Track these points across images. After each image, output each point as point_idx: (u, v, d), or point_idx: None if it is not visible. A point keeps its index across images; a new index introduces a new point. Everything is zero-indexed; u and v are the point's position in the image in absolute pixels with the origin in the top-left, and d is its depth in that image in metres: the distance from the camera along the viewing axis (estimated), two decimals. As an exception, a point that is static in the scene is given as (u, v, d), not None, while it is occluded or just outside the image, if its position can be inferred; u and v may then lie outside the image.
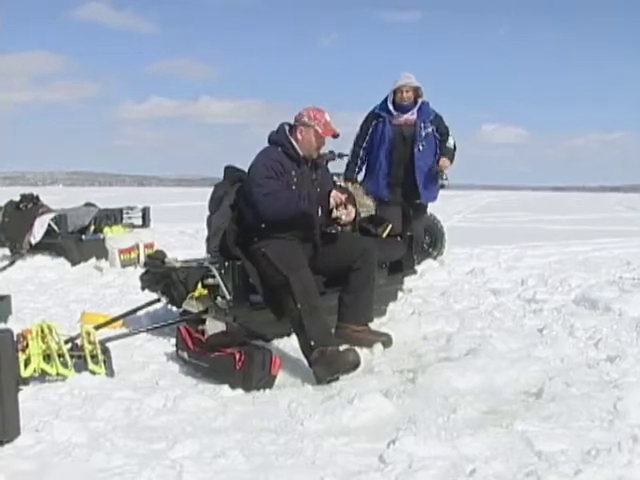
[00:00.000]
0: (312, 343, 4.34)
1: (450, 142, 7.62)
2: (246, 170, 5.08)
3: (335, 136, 5.05)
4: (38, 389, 3.90)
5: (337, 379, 4.25)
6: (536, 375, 4.18)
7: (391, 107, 7.52)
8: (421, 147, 7.40)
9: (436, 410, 3.58)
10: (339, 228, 5.02)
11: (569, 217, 24.60)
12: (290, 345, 4.79)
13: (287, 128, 5.02)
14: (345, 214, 4.91)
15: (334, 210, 4.85)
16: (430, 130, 7.48)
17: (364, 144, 7.67)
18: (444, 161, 7.53)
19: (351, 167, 7.73)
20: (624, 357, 4.41)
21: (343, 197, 4.88)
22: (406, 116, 7.50)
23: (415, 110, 7.49)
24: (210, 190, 5.40)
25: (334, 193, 4.83)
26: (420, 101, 7.51)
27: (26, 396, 3.73)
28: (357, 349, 4.46)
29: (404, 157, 7.46)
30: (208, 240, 5.25)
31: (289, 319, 4.53)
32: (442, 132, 7.62)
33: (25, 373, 3.97)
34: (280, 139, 4.99)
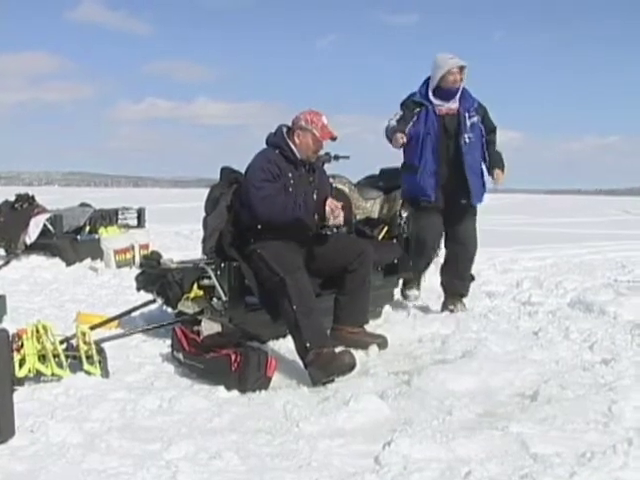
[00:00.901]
0: (308, 345, 4.34)
1: (497, 144, 6.41)
2: (243, 171, 5.08)
3: (333, 139, 5.05)
4: (33, 389, 3.89)
5: (333, 381, 4.24)
6: (531, 377, 4.19)
7: (432, 96, 6.21)
8: (467, 139, 6.14)
9: (431, 412, 3.58)
10: (330, 232, 5.02)
11: (564, 220, 24.64)
12: (286, 346, 4.79)
13: (285, 130, 5.02)
14: (339, 222, 4.92)
15: (330, 217, 4.85)
16: (475, 120, 6.22)
17: (409, 120, 6.19)
18: (498, 174, 6.28)
19: (400, 123, 6.16)
20: (619, 360, 4.42)
21: (339, 204, 4.87)
22: (448, 104, 6.21)
23: (457, 97, 6.21)
24: (206, 191, 5.40)
25: (329, 201, 4.82)
26: (462, 86, 6.24)
27: (21, 396, 3.72)
28: (353, 351, 4.46)
29: (450, 152, 6.16)
30: (204, 241, 5.25)
31: (285, 320, 4.52)
32: (489, 127, 6.35)
33: (20, 373, 3.96)
34: (278, 141, 4.99)
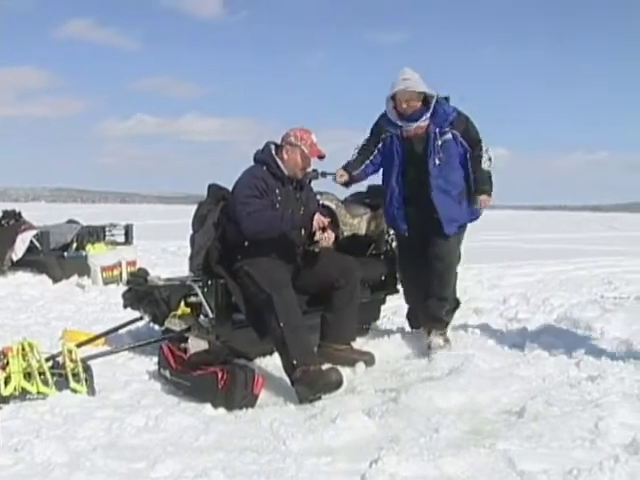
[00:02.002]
0: (294, 362, 4.34)
1: (485, 161, 5.47)
2: (230, 188, 5.09)
3: (321, 157, 5.07)
4: (18, 407, 3.86)
5: (319, 398, 4.24)
6: (518, 394, 4.20)
7: (394, 118, 5.54)
8: (437, 161, 5.37)
9: (418, 430, 3.58)
10: (318, 249, 5.02)
11: (550, 236, 24.75)
12: (273, 364, 4.78)
13: (273, 147, 5.04)
14: (324, 238, 4.91)
15: (316, 233, 4.86)
16: (449, 137, 5.42)
17: (368, 158, 5.66)
18: (484, 199, 5.47)
19: (356, 159, 5.69)
20: (605, 376, 4.43)
21: (326, 221, 4.88)
22: (417, 124, 5.47)
23: (428, 115, 5.45)
24: (193, 208, 5.39)
25: (317, 217, 4.83)
26: (433, 102, 5.45)
27: (5, 415, 3.72)
28: (339, 368, 4.46)
29: (419, 177, 5.44)
30: (191, 258, 5.24)
31: (272, 338, 4.52)
32: (471, 140, 5.48)
33: (5, 391, 3.94)
34: (265, 158, 5.01)
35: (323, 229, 4.87)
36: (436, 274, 5.51)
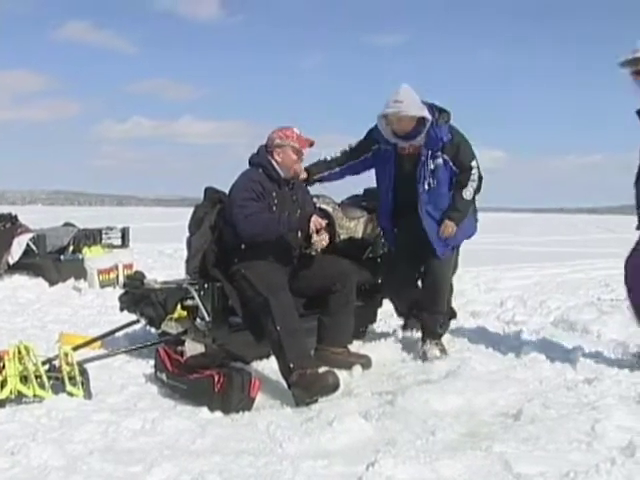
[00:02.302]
0: (291, 365, 4.33)
1: (467, 189, 5.32)
2: (226, 191, 5.10)
3: (312, 145, 5.14)
4: (14, 411, 3.85)
5: (316, 401, 4.23)
6: (515, 397, 4.20)
7: (388, 135, 5.37)
8: (427, 186, 5.24)
9: (415, 432, 3.58)
10: (315, 252, 5.02)
11: (547, 239, 24.79)
12: (269, 367, 4.78)
13: (265, 149, 5.07)
14: (324, 240, 4.92)
15: (313, 235, 4.86)
16: (440, 161, 5.26)
17: (353, 160, 5.61)
18: (446, 226, 5.28)
19: (330, 160, 5.66)
20: (602, 379, 4.44)
21: (323, 223, 4.89)
22: (410, 143, 5.33)
23: (422, 135, 5.27)
24: (190, 210, 5.40)
25: (314, 218, 4.83)
26: (428, 124, 5.24)
27: (2, 418, 3.71)
28: (336, 371, 4.45)
29: (410, 198, 5.30)
30: (187, 261, 5.25)
31: (268, 341, 4.52)
32: (461, 165, 5.32)
33: (1, 395, 3.93)
34: (261, 160, 5.03)
35: (317, 231, 4.87)
36: (429, 288, 5.44)
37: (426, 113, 5.23)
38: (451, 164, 5.30)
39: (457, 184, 5.32)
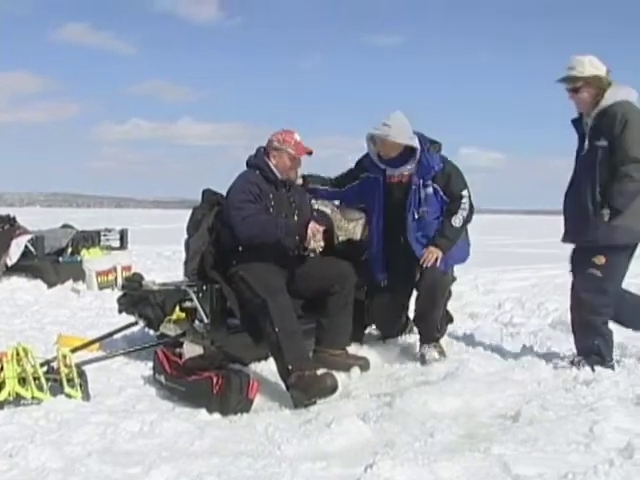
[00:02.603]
0: (290, 367, 4.33)
1: (458, 217, 5.22)
2: (224, 193, 5.09)
3: (309, 153, 5.11)
4: (13, 413, 3.85)
5: (314, 403, 4.24)
6: (513, 399, 4.20)
7: (376, 159, 5.31)
8: (416, 215, 5.17)
9: (413, 434, 3.58)
10: (313, 254, 5.02)
11: (545, 240, 24.75)
12: (268, 369, 4.78)
13: (263, 151, 5.06)
14: (321, 246, 4.91)
15: (311, 241, 4.84)
16: (430, 190, 5.18)
17: (339, 188, 5.60)
18: (430, 252, 5.15)
19: (317, 176, 5.67)
20: (600, 380, 4.44)
21: (321, 229, 4.88)
22: (400, 170, 5.26)
23: (414, 164, 5.20)
24: (188, 212, 5.40)
25: (312, 225, 4.83)
26: (418, 152, 5.17)
27: (0, 420, 3.69)
28: (335, 373, 4.45)
29: (400, 228, 5.25)
30: (186, 263, 5.24)
31: (267, 343, 4.52)
32: (451, 194, 5.25)
33: (-1, 397, 3.93)
34: (258, 162, 5.03)
35: (319, 235, 4.87)
36: (426, 299, 5.29)
37: (415, 142, 5.18)
38: (441, 193, 5.24)
39: (447, 212, 5.25)
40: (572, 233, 5.01)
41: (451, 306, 5.90)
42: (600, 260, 4.80)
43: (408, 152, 5.21)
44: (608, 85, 4.80)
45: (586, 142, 4.83)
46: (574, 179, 5.00)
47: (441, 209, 5.27)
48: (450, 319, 5.81)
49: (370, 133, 5.28)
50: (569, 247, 5.08)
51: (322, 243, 4.89)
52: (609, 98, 4.75)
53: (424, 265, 5.15)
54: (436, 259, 5.13)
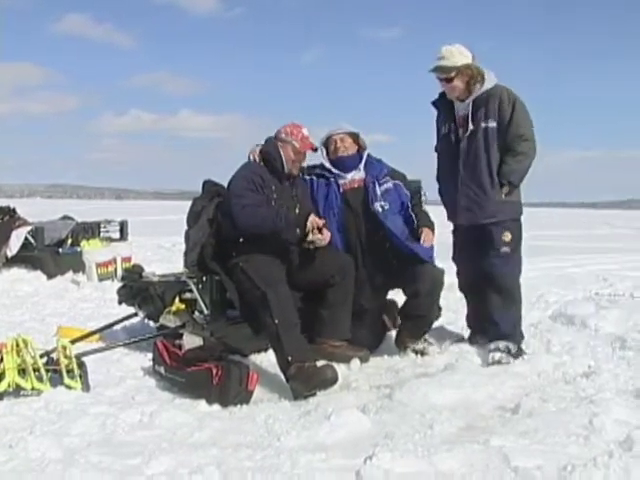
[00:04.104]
0: (289, 358, 4.33)
1: (423, 203, 5.54)
2: (225, 185, 5.08)
3: (314, 150, 5.12)
4: (12, 404, 3.86)
5: (314, 395, 4.24)
6: (513, 391, 4.20)
7: (329, 165, 5.35)
8: (380, 207, 5.21)
9: (413, 426, 3.58)
10: (313, 246, 5.00)
11: (546, 233, 24.78)
12: (267, 360, 4.78)
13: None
14: (320, 239, 4.89)
15: (309, 234, 4.83)
16: (390, 185, 5.33)
17: None
18: (427, 233, 5.24)
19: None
20: (600, 373, 4.44)
21: (320, 222, 4.87)
22: (351, 175, 5.34)
23: (361, 166, 5.35)
24: (188, 204, 5.39)
25: (312, 218, 4.82)
26: (365, 154, 5.40)
27: (0, 411, 3.69)
28: (334, 365, 4.46)
29: (364, 227, 5.27)
30: (186, 254, 5.23)
31: (266, 334, 4.52)
32: (413, 189, 5.50)
33: (-1, 388, 3.94)
34: (270, 150, 5.01)
35: (319, 229, 4.86)
36: (427, 299, 5.17)
37: (364, 139, 5.45)
38: (402, 188, 5.41)
39: (414, 206, 5.42)
40: (468, 213, 5.06)
41: (451, 298, 5.91)
42: (507, 237, 5.05)
43: (356, 153, 5.39)
44: (477, 71, 4.96)
45: (470, 124, 4.94)
46: (451, 162, 5.07)
47: (402, 204, 5.36)
48: (439, 314, 5.50)
49: (329, 133, 5.42)
50: (570, 240, 5.08)
51: (321, 236, 4.88)
52: (489, 82, 4.94)
53: (425, 244, 5.19)
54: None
